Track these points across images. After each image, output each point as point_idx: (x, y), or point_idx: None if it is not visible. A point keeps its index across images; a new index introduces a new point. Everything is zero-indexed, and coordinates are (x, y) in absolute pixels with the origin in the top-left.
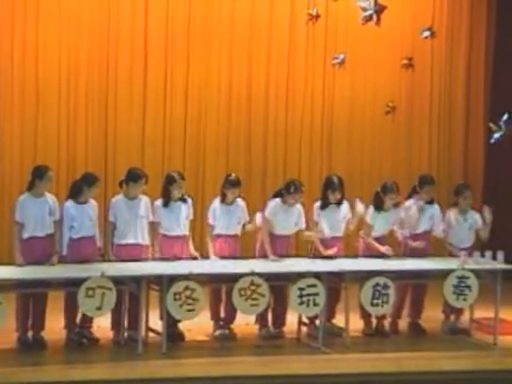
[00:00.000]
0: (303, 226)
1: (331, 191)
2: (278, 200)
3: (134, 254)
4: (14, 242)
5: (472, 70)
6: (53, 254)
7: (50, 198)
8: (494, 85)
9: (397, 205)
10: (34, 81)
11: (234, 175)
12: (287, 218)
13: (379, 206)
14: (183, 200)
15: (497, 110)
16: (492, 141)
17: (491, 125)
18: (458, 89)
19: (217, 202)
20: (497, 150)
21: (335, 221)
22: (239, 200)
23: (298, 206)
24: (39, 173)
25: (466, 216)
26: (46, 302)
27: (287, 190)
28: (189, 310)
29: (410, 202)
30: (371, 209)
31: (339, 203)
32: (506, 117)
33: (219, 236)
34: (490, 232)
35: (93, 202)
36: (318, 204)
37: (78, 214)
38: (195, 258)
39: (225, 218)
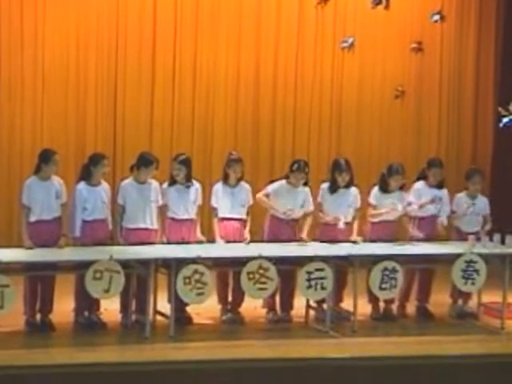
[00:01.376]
0: (311, 207)
1: (338, 173)
2: (283, 181)
3: (143, 238)
4: (22, 225)
5: (481, 54)
6: (60, 237)
7: (56, 181)
8: (504, 68)
9: (402, 187)
10: (42, 64)
11: (234, 153)
12: (292, 201)
13: (384, 188)
14: (192, 184)
15: (506, 94)
16: (501, 125)
17: (500, 109)
18: (467, 72)
19: (219, 184)
20: (506, 134)
21: (342, 206)
22: (243, 182)
23: (305, 189)
24: (45, 156)
25: (475, 201)
26: (54, 284)
27: (290, 168)
28: (199, 294)
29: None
30: (376, 190)
31: (348, 187)
32: None
33: (223, 219)
34: (499, 216)
35: (105, 185)
36: (324, 186)
37: (91, 196)
38: (201, 243)
39: (228, 201)
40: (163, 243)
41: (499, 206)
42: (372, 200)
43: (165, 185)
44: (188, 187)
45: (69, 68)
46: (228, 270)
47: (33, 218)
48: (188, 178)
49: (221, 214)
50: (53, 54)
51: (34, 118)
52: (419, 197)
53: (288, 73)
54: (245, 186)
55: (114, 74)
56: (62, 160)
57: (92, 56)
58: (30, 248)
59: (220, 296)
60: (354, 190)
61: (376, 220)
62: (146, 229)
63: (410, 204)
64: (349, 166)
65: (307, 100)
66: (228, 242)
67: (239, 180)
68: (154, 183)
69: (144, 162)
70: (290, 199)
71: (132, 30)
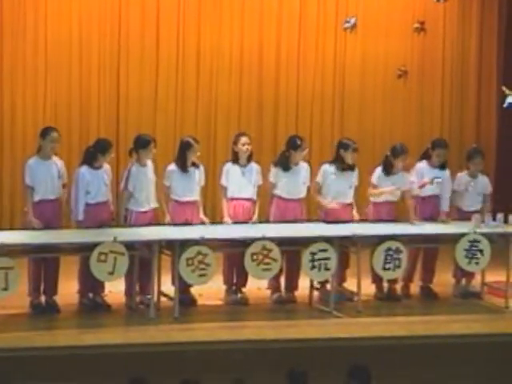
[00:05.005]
0: (308, 183)
1: (344, 150)
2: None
3: (151, 218)
4: (27, 205)
5: (484, 33)
6: (61, 218)
7: (58, 161)
8: (507, 48)
9: (406, 168)
10: (45, 46)
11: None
12: (293, 180)
13: (388, 170)
14: (196, 166)
15: (510, 73)
16: (505, 105)
17: (504, 88)
18: (470, 52)
19: (229, 164)
20: (510, 114)
21: (344, 187)
22: (253, 163)
23: (305, 165)
24: (43, 133)
25: (476, 180)
26: (58, 266)
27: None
28: (201, 275)
29: (460, 175)
30: (379, 170)
31: (352, 168)
32: None
33: (233, 199)
34: (501, 195)
35: (107, 167)
36: (326, 166)
37: (94, 179)
38: (204, 224)
39: (238, 180)
40: (166, 224)
41: (504, 185)
42: (374, 180)
43: (169, 167)
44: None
45: (71, 50)
46: (233, 250)
47: (37, 198)
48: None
49: (230, 194)
50: (55, 37)
51: (36, 100)
52: (421, 176)
53: (291, 54)
54: (255, 166)
55: (116, 57)
56: (65, 143)
57: (95, 38)
58: (38, 227)
59: (226, 276)
60: (355, 172)
61: (379, 200)
62: (153, 209)
63: (411, 183)
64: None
65: (310, 81)
66: (237, 221)
67: (249, 160)
68: (149, 162)
69: (142, 143)
70: (291, 179)
71: (135, 12)
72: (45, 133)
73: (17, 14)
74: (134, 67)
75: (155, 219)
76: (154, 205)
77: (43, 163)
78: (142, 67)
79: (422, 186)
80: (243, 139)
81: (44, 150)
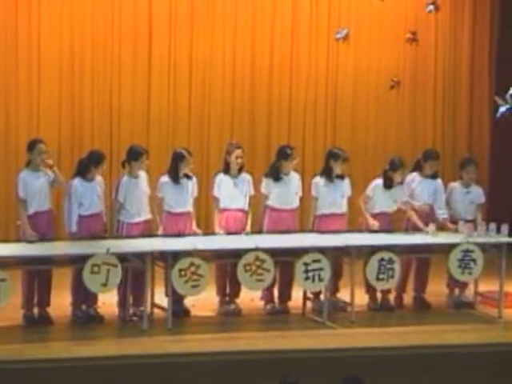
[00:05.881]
0: (301, 193)
1: (334, 160)
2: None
3: (143, 230)
4: (21, 219)
5: (476, 44)
6: (54, 229)
7: (50, 172)
8: (499, 58)
9: (401, 181)
10: (38, 59)
11: (234, 141)
12: (285, 190)
13: (388, 184)
14: (188, 177)
15: (502, 83)
16: (498, 115)
17: (496, 98)
18: (462, 62)
19: (221, 174)
20: (503, 124)
21: (336, 197)
22: (245, 173)
23: (296, 175)
24: (30, 146)
25: (469, 189)
26: (50, 278)
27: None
28: (194, 286)
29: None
30: (376, 183)
31: (342, 177)
32: None
33: (225, 210)
34: (494, 205)
35: (100, 179)
36: (317, 179)
37: (87, 191)
38: (198, 235)
39: (230, 191)
40: (159, 236)
41: (496, 195)
42: (369, 192)
43: (162, 179)
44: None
45: (64, 62)
46: (226, 261)
47: (31, 211)
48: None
49: (222, 205)
50: (48, 49)
51: (29, 113)
52: (414, 189)
53: (283, 64)
54: (246, 176)
55: (109, 67)
56: (57, 155)
57: (87, 50)
58: (34, 239)
59: (219, 287)
60: (346, 181)
61: (375, 211)
62: (145, 221)
63: (407, 202)
64: (346, 157)
65: (303, 91)
66: (229, 232)
67: (240, 170)
68: (143, 174)
69: (134, 155)
70: (283, 190)
71: (127, 23)
72: (32, 146)
73: (9, 27)
74: (127, 78)
75: (148, 231)
76: (146, 216)
77: (34, 175)
78: (134, 78)
79: (417, 210)
80: (237, 152)
81: (34, 163)
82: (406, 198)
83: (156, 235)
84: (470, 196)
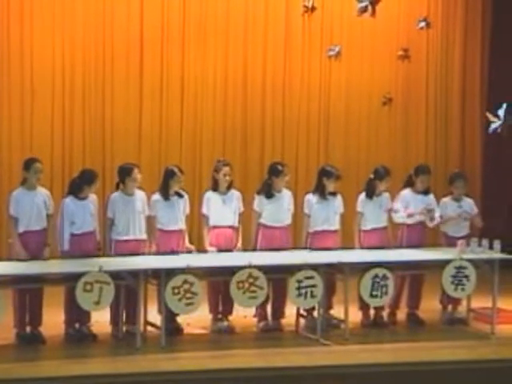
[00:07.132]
0: (292, 209)
1: (326, 178)
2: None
3: (133, 249)
4: (12, 237)
5: (468, 60)
6: (44, 248)
7: (44, 191)
8: (490, 74)
9: (386, 190)
10: (30, 78)
11: (222, 158)
12: (277, 207)
13: (371, 193)
14: (180, 195)
15: (493, 99)
16: (490, 131)
17: (488, 114)
18: (454, 79)
19: (210, 192)
20: (494, 140)
21: (329, 214)
22: (234, 190)
23: (288, 192)
24: (26, 165)
25: (461, 203)
26: (42, 297)
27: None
28: (188, 304)
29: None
30: (361, 198)
31: (334, 194)
32: (505, 106)
33: (215, 227)
34: (487, 221)
35: (93, 197)
36: (310, 196)
37: (80, 210)
38: (191, 252)
39: (219, 208)
40: (153, 254)
41: (488, 211)
42: (359, 208)
43: (154, 197)
44: (181, 196)
45: (55, 81)
46: (218, 279)
47: (21, 229)
48: (166, 189)
49: (212, 222)
50: (40, 68)
51: (22, 130)
52: (407, 204)
53: (276, 81)
54: (235, 193)
55: (101, 85)
56: (49, 173)
57: (79, 67)
58: (25, 258)
59: (211, 305)
60: (339, 197)
61: (367, 228)
62: (137, 240)
63: (396, 211)
64: (338, 175)
65: (295, 108)
66: (220, 250)
67: (229, 187)
68: (140, 193)
69: (125, 172)
70: (275, 207)
71: (119, 40)
72: (28, 164)
73: (1, 44)
74: (119, 97)
75: (138, 251)
76: (138, 236)
77: (28, 194)
78: (126, 96)
79: (410, 216)
80: (225, 169)
81: (29, 182)
82: (391, 206)
83: (149, 253)
84: (463, 209)
